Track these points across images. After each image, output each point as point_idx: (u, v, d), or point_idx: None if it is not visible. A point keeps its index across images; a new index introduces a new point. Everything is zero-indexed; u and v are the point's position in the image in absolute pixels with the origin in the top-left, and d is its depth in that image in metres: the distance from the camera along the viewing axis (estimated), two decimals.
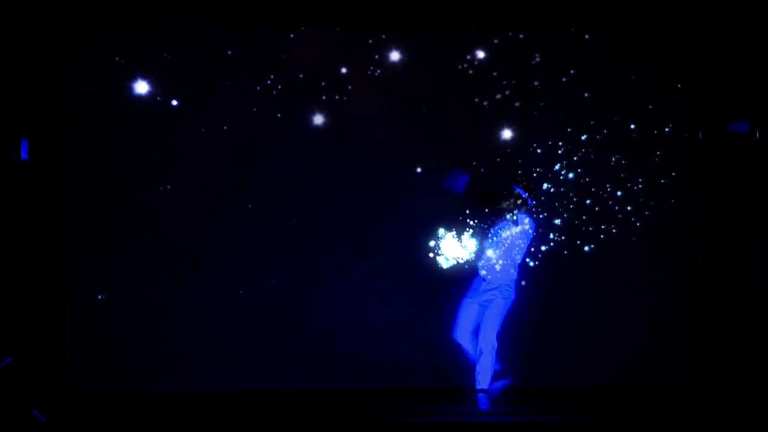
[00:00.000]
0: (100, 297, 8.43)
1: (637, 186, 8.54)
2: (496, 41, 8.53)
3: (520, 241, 7.95)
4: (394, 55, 8.49)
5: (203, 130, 8.48)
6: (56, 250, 8.29)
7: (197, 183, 8.48)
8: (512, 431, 7.50)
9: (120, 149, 8.43)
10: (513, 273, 7.97)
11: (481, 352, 7.88)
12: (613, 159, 8.55)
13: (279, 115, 8.51)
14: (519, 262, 8.02)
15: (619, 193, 8.55)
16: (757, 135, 8.24)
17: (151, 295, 8.45)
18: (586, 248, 8.55)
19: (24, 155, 8.13)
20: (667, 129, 8.52)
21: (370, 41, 8.50)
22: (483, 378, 7.91)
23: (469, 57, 8.53)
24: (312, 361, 8.51)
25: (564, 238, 8.55)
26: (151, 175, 8.45)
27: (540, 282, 8.55)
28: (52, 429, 7.35)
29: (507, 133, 8.52)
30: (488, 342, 7.86)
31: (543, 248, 8.54)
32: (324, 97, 8.50)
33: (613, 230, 8.56)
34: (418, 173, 8.45)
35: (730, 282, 8.30)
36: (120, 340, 8.42)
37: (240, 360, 8.50)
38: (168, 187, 8.46)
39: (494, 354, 7.88)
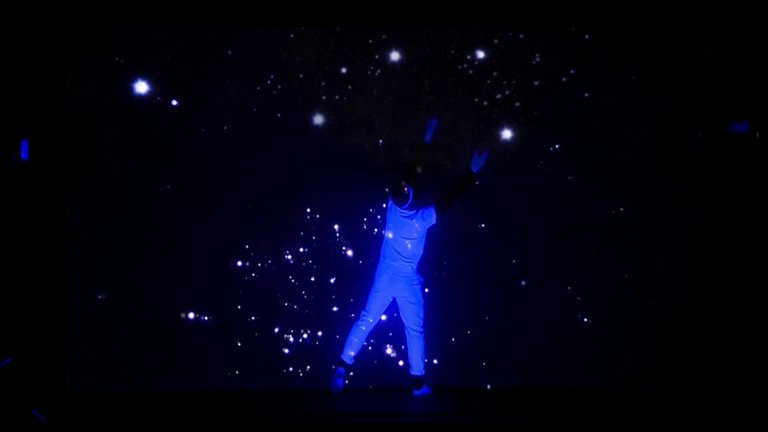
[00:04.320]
0: (100, 297, 8.44)
1: (637, 186, 8.54)
2: (496, 41, 8.53)
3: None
4: (394, 55, 8.50)
5: (203, 130, 8.48)
6: (57, 250, 8.29)
7: (197, 183, 8.48)
8: (510, 431, 7.50)
9: (120, 149, 8.43)
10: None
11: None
12: (613, 159, 8.54)
13: (279, 115, 8.52)
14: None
15: (619, 193, 8.55)
16: (757, 135, 8.24)
17: (152, 295, 8.45)
18: (586, 248, 8.56)
19: (24, 155, 8.14)
20: (666, 129, 8.52)
21: (370, 41, 8.51)
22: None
23: (469, 57, 8.53)
24: (314, 360, 8.52)
25: (564, 238, 8.55)
26: (151, 175, 8.46)
27: (540, 282, 8.56)
28: (52, 429, 7.35)
29: (507, 133, 8.53)
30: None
31: (543, 248, 8.55)
32: (324, 97, 8.51)
33: (613, 230, 8.55)
34: (418, 173, 8.44)
35: (730, 282, 8.30)
36: (120, 340, 8.43)
37: (240, 360, 8.50)
38: (168, 187, 8.47)
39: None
